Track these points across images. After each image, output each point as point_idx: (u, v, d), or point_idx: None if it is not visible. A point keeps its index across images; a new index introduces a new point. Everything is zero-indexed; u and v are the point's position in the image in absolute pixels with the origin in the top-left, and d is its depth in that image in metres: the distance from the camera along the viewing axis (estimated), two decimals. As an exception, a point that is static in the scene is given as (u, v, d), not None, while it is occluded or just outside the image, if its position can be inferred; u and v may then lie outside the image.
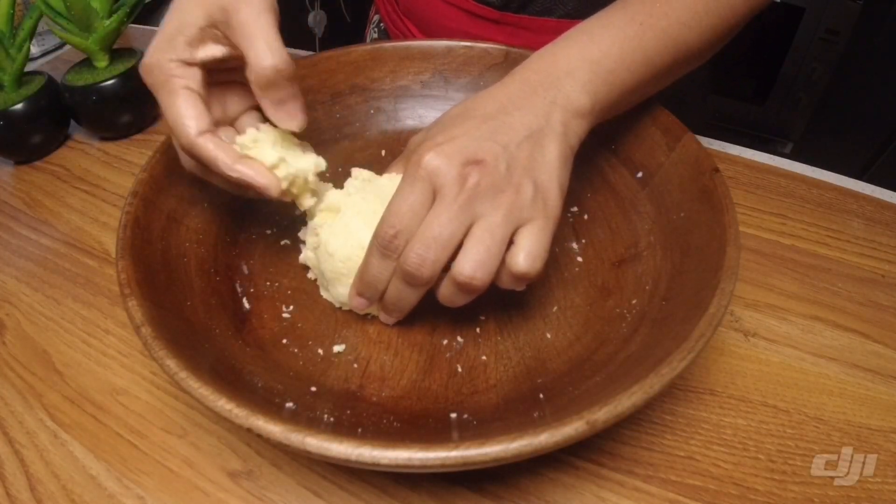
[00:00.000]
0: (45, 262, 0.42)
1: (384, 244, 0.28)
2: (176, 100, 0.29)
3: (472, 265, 0.27)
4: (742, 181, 0.45)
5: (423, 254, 0.27)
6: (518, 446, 0.22)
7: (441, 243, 0.27)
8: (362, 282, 0.31)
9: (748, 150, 0.48)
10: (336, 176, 0.38)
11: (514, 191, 0.28)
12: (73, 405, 0.34)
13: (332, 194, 0.35)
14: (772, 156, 0.48)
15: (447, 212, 0.27)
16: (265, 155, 0.31)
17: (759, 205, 0.43)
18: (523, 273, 0.28)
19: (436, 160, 0.27)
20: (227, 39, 0.30)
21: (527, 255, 0.28)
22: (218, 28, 0.29)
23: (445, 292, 0.30)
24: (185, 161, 0.33)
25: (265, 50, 0.28)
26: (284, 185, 0.32)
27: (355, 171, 0.37)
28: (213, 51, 0.30)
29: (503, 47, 0.45)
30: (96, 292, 0.40)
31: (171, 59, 0.29)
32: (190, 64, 0.30)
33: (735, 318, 0.36)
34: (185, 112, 0.29)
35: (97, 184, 0.49)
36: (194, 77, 0.30)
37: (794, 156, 0.50)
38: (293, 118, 0.32)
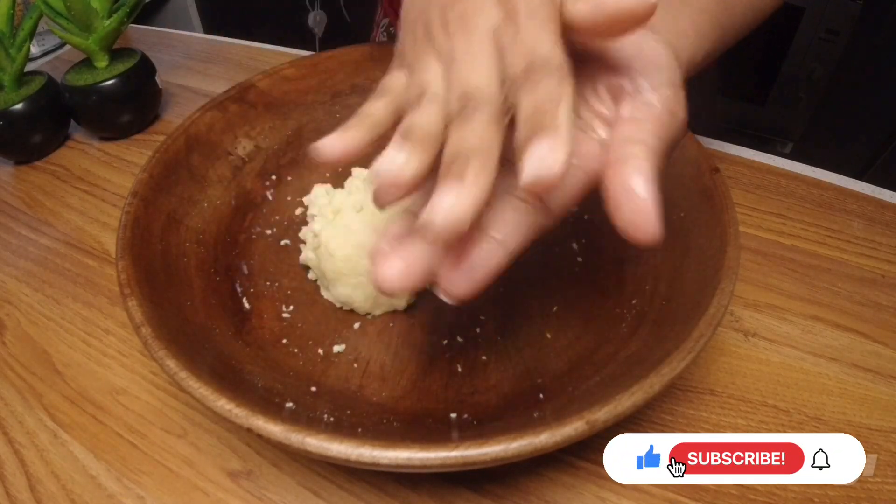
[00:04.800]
0: (45, 262, 0.42)
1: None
2: None
3: None
4: (742, 181, 0.45)
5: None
6: (518, 446, 0.22)
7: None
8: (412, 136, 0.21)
9: (748, 150, 0.48)
10: (336, 176, 0.38)
11: None
12: (73, 405, 0.34)
13: (332, 194, 0.35)
14: (772, 156, 0.47)
15: None
16: None
17: (759, 205, 0.43)
18: None
19: None
20: None
21: None
22: None
23: None
24: None
25: None
26: None
27: (355, 171, 0.37)
28: None
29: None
30: (96, 292, 0.40)
31: None
32: None
33: (735, 318, 0.36)
34: None
35: (97, 184, 0.49)
36: None
37: (794, 156, 0.49)
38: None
